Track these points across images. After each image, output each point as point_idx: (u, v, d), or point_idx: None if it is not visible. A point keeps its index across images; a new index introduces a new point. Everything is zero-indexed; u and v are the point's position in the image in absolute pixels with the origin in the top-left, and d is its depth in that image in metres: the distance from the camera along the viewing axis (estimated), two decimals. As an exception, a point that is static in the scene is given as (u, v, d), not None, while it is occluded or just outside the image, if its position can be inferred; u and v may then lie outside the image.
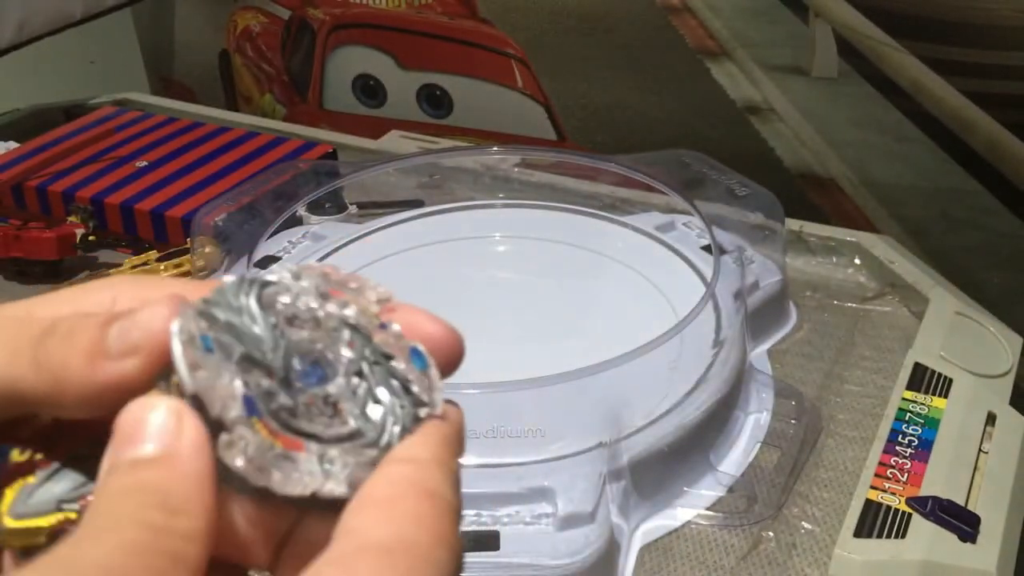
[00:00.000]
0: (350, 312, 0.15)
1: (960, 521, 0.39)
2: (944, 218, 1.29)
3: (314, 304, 0.15)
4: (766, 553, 0.40)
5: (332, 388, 0.15)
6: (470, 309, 0.51)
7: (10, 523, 0.15)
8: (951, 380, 0.47)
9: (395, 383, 0.15)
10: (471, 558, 0.37)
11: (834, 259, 0.59)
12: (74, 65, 1.14)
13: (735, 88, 1.86)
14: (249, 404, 0.14)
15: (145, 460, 0.13)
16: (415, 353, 0.16)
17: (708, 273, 0.50)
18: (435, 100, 1.28)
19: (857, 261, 0.58)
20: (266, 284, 0.15)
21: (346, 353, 0.15)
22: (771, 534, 0.40)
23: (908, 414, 0.45)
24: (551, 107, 1.30)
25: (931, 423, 0.44)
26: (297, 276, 0.15)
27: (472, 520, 0.38)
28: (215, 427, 0.14)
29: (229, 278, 0.15)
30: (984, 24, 1.74)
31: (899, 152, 1.50)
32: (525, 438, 0.40)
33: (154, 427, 0.13)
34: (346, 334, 0.15)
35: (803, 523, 0.41)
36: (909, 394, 0.46)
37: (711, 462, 0.43)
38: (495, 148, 0.62)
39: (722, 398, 0.43)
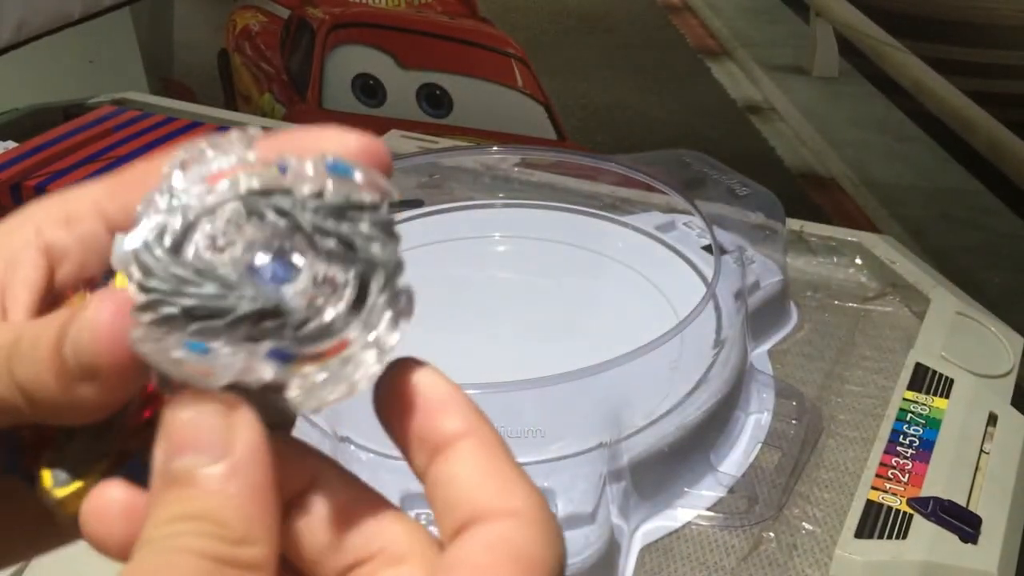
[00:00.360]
0: (243, 184, 0.13)
1: (961, 522, 0.39)
2: (945, 218, 1.28)
3: (211, 204, 0.13)
4: (767, 554, 0.40)
5: (308, 271, 0.13)
6: (470, 309, 0.51)
7: (61, 492, 0.14)
8: (952, 380, 0.47)
9: (344, 211, 0.13)
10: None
11: (835, 259, 0.59)
12: (73, 64, 1.14)
13: (736, 88, 1.86)
14: (277, 355, 0.13)
15: (198, 475, 0.12)
16: (331, 169, 0.14)
17: (709, 273, 0.50)
18: (435, 99, 1.28)
19: (858, 261, 0.58)
20: (158, 236, 0.13)
21: (279, 222, 0.13)
22: (772, 535, 0.40)
23: (909, 414, 0.45)
24: (551, 107, 1.30)
25: (932, 423, 0.44)
26: (167, 191, 0.13)
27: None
28: (262, 397, 0.13)
29: (116, 261, 0.13)
30: (985, 23, 1.74)
31: (900, 152, 1.50)
32: (525, 438, 0.40)
33: (204, 433, 0.12)
34: (269, 212, 0.13)
35: (804, 524, 0.41)
36: (910, 394, 0.46)
37: (712, 463, 0.43)
38: (495, 148, 0.62)
39: (723, 398, 0.43)
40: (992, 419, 0.45)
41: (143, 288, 0.13)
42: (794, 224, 0.59)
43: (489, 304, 0.52)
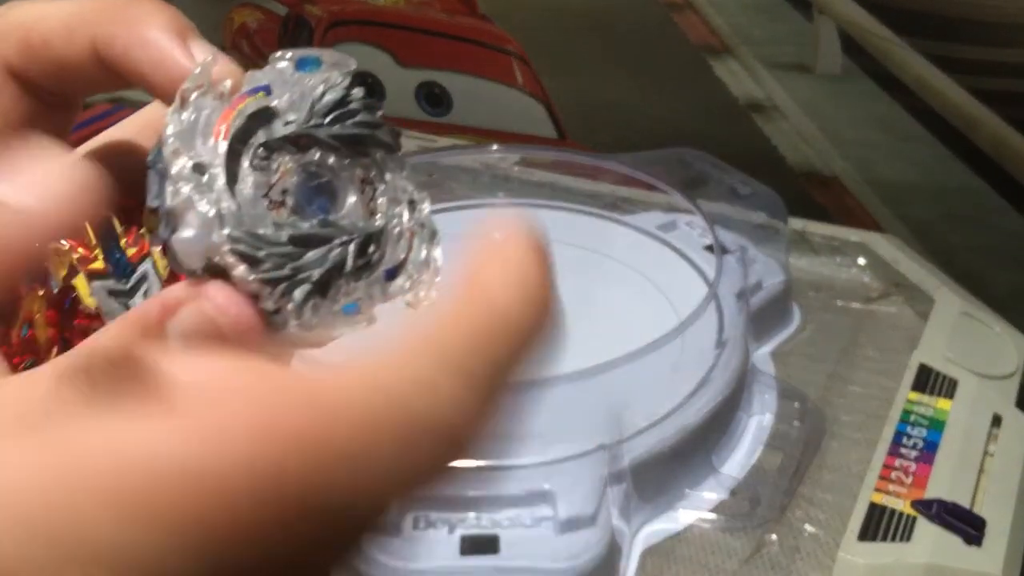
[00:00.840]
0: (240, 123, 0.13)
1: (966, 524, 0.39)
2: (949, 217, 1.28)
3: (233, 161, 0.13)
4: (769, 556, 0.39)
5: (350, 183, 0.14)
6: (470, 309, 0.50)
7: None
8: (956, 381, 0.47)
9: (340, 107, 0.14)
10: (469, 562, 0.37)
11: (838, 259, 0.58)
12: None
13: (737, 85, 1.85)
14: (389, 275, 0.14)
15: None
16: (301, 69, 0.14)
17: (710, 273, 0.50)
18: (434, 98, 1.28)
19: (861, 261, 0.58)
20: (232, 222, 0.13)
21: (302, 151, 0.13)
22: (774, 537, 0.40)
23: (913, 416, 0.45)
24: (551, 105, 1.29)
25: (936, 425, 0.44)
26: (188, 172, 0.13)
27: (471, 523, 0.37)
28: None
29: (188, 260, 0.13)
30: (989, 21, 1.73)
31: (904, 150, 1.49)
32: (525, 440, 0.39)
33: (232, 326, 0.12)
34: (288, 146, 0.13)
35: (806, 526, 0.41)
36: (914, 395, 0.46)
37: (713, 464, 0.43)
38: (495, 147, 0.62)
39: (724, 400, 0.43)
40: (996, 420, 0.45)
41: (266, 281, 0.13)
42: (797, 223, 0.59)
43: (489, 304, 0.51)
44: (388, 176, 0.14)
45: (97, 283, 0.15)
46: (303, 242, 0.13)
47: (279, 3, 1.38)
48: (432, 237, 0.15)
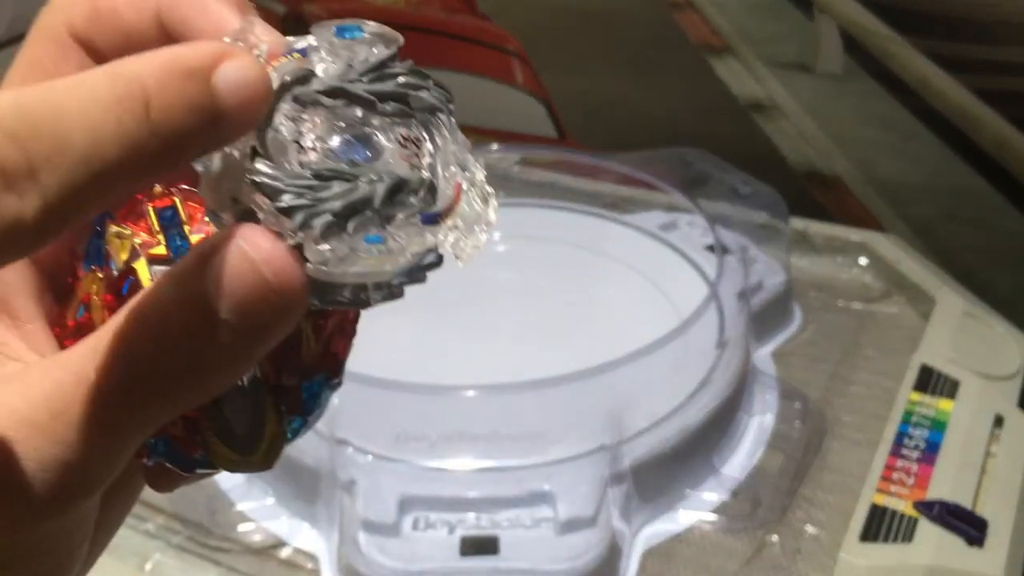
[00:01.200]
0: (276, 81, 0.13)
1: (967, 525, 0.39)
2: (951, 217, 1.28)
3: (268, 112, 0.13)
4: (770, 558, 0.39)
5: (390, 137, 0.13)
6: (470, 310, 0.50)
7: (261, 453, 0.14)
8: (958, 382, 0.47)
9: (381, 70, 0.14)
10: (469, 563, 0.36)
11: (839, 259, 0.58)
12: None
13: (738, 85, 1.85)
14: (429, 220, 0.13)
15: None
16: (341, 36, 0.14)
17: (711, 273, 0.50)
18: (435, 97, 1.28)
19: (862, 261, 0.58)
20: (257, 158, 0.13)
21: (336, 103, 0.13)
22: (775, 538, 0.40)
23: (914, 416, 0.45)
24: (551, 104, 1.29)
25: (938, 425, 0.44)
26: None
27: (471, 524, 0.37)
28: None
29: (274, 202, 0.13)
30: (990, 20, 1.73)
31: (905, 150, 1.49)
32: (525, 441, 0.39)
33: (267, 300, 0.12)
34: (323, 98, 0.13)
35: (808, 527, 0.40)
36: (915, 396, 0.46)
37: (714, 465, 0.43)
38: (495, 146, 0.61)
39: (725, 400, 0.43)
40: (998, 421, 0.45)
41: (283, 211, 0.13)
42: (798, 223, 0.59)
43: (489, 305, 0.51)
44: (438, 140, 0.14)
45: (157, 268, 0.15)
46: (328, 178, 0.13)
47: (278, 2, 1.38)
48: (484, 196, 0.14)
